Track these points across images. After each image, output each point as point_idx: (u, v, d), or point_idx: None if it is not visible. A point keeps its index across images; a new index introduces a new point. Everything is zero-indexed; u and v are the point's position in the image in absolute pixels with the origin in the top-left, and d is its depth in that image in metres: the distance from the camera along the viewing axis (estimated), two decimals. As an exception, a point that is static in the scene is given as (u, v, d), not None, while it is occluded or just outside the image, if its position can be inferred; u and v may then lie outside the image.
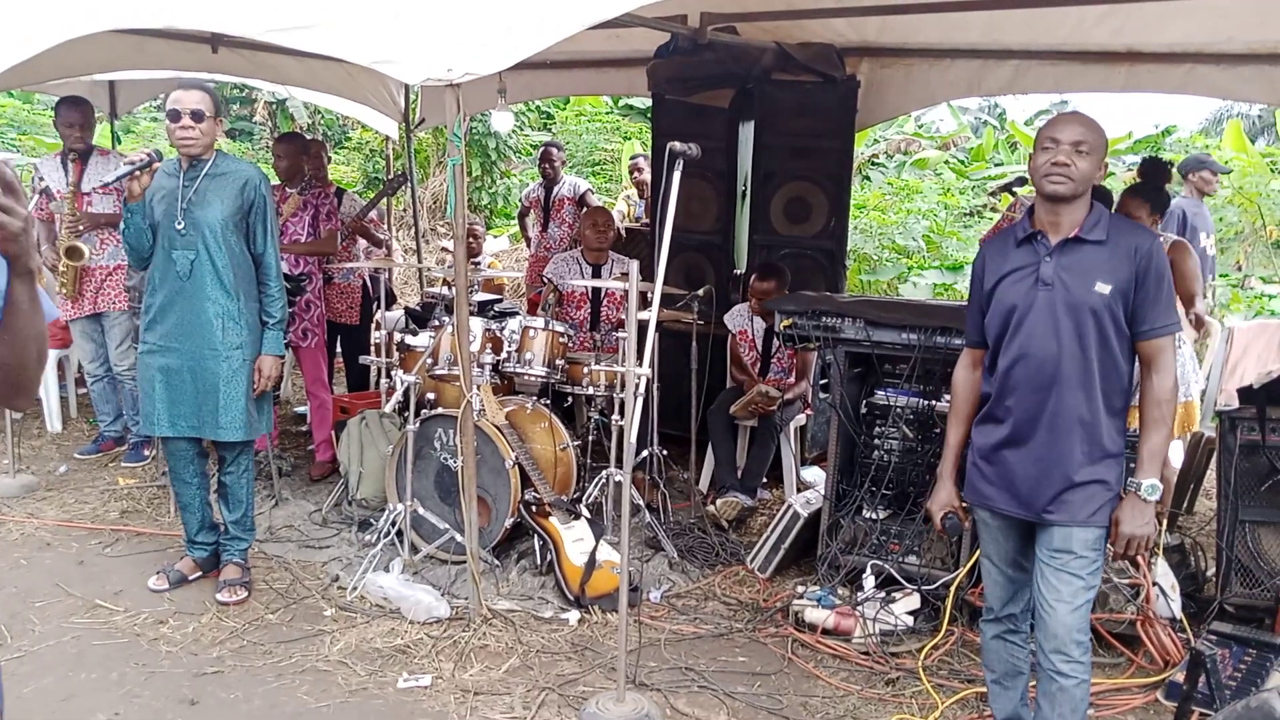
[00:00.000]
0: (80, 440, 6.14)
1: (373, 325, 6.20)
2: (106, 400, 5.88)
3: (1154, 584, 3.80)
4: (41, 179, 5.47)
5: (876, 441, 4.33)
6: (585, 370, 5.00)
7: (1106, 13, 5.04)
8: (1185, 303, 4.80)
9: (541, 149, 8.37)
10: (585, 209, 7.29)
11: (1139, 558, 3.74)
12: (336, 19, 3.54)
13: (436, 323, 5.01)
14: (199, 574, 4.24)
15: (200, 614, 3.95)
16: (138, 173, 3.74)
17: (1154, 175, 5.25)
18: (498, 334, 4.95)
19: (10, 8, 4.05)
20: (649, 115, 8.41)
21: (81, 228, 5.40)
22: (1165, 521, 4.08)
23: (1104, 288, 2.62)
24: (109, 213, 5.44)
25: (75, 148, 5.45)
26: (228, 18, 3.74)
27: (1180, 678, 3.44)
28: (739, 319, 5.69)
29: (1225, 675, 3.45)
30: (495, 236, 12.28)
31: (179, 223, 3.84)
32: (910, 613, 3.95)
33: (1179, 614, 3.85)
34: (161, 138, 14.74)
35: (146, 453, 5.69)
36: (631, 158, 10.35)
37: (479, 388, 4.45)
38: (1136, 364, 2.74)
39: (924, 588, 4.03)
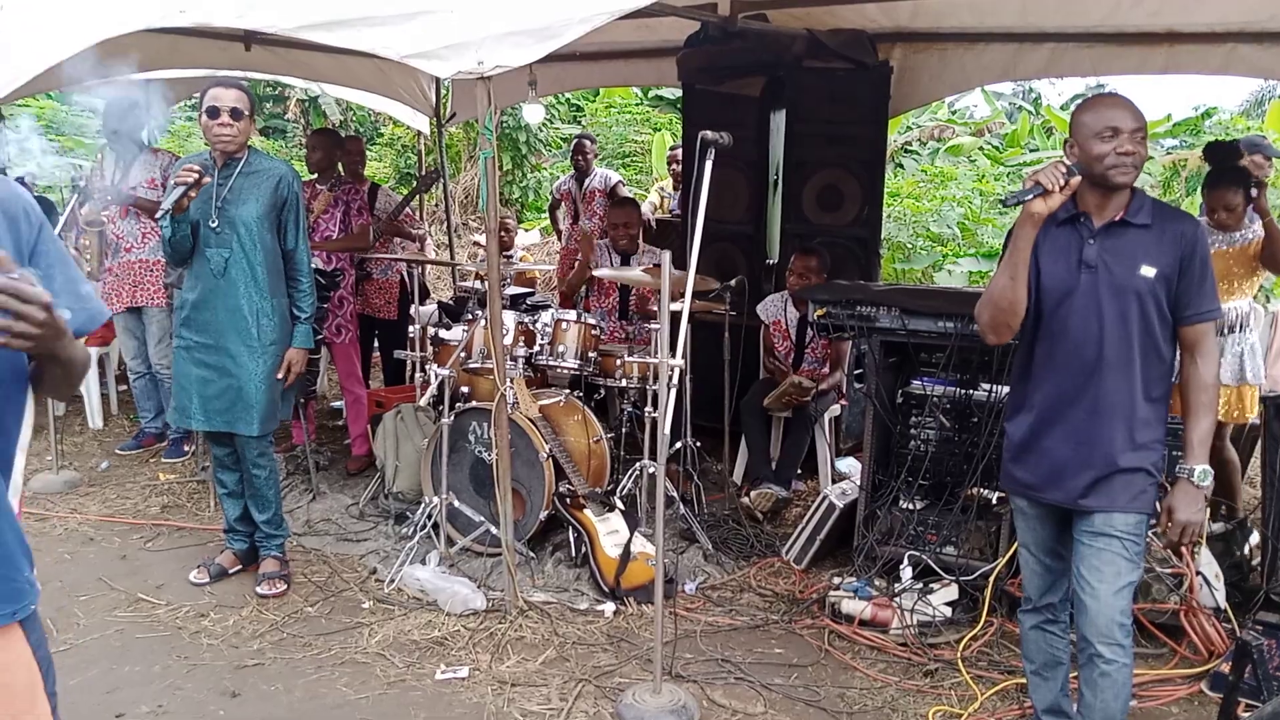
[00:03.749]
0: (121, 436, 6.23)
1: (409, 320, 6.23)
2: (148, 396, 5.96)
3: (1197, 573, 3.74)
4: (82, 178, 5.55)
5: (913, 431, 4.29)
6: (618, 362, 5.00)
7: (1143, -7, 4.96)
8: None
9: (575, 141, 8.38)
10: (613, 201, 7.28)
11: (1182, 547, 3.70)
12: (368, 14, 3.55)
13: (470, 316, 5.03)
14: (239, 567, 4.28)
15: (240, 607, 4.00)
16: (190, 192, 3.70)
17: (1223, 156, 4.97)
18: (530, 327, 4.96)
19: (46, 10, 4.10)
20: (679, 106, 8.40)
21: (109, 197, 5.46)
22: (1210, 510, 4.01)
23: (1149, 271, 2.58)
24: (147, 199, 5.48)
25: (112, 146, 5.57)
26: (262, 16, 3.76)
27: (1225, 668, 3.39)
28: (773, 309, 5.65)
29: (1272, 666, 3.38)
30: (527, 230, 12.30)
31: (213, 220, 3.88)
32: (948, 604, 3.92)
33: (1223, 604, 3.79)
34: (196, 137, 14.90)
35: (186, 448, 5.76)
36: (670, 148, 10.32)
37: (512, 381, 4.46)
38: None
39: (962, 578, 3.99)
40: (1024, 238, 2.58)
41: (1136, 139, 2.56)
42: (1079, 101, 2.86)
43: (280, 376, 4.01)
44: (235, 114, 3.81)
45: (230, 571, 4.27)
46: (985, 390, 4.11)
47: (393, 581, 4.19)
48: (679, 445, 4.98)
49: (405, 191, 6.88)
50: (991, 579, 3.85)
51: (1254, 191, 4.55)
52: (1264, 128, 11.41)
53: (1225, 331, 4.67)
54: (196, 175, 3.71)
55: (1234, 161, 4.81)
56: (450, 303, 7.41)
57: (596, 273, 5.62)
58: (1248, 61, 5.32)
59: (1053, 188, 2.49)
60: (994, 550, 4.04)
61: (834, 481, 5.15)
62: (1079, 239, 2.65)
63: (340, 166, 5.90)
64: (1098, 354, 2.62)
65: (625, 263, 5.76)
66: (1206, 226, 4.84)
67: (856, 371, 4.35)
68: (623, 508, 4.49)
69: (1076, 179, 2.52)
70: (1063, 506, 2.73)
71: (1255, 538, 4.12)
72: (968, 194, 11.21)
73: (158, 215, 3.80)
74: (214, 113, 3.82)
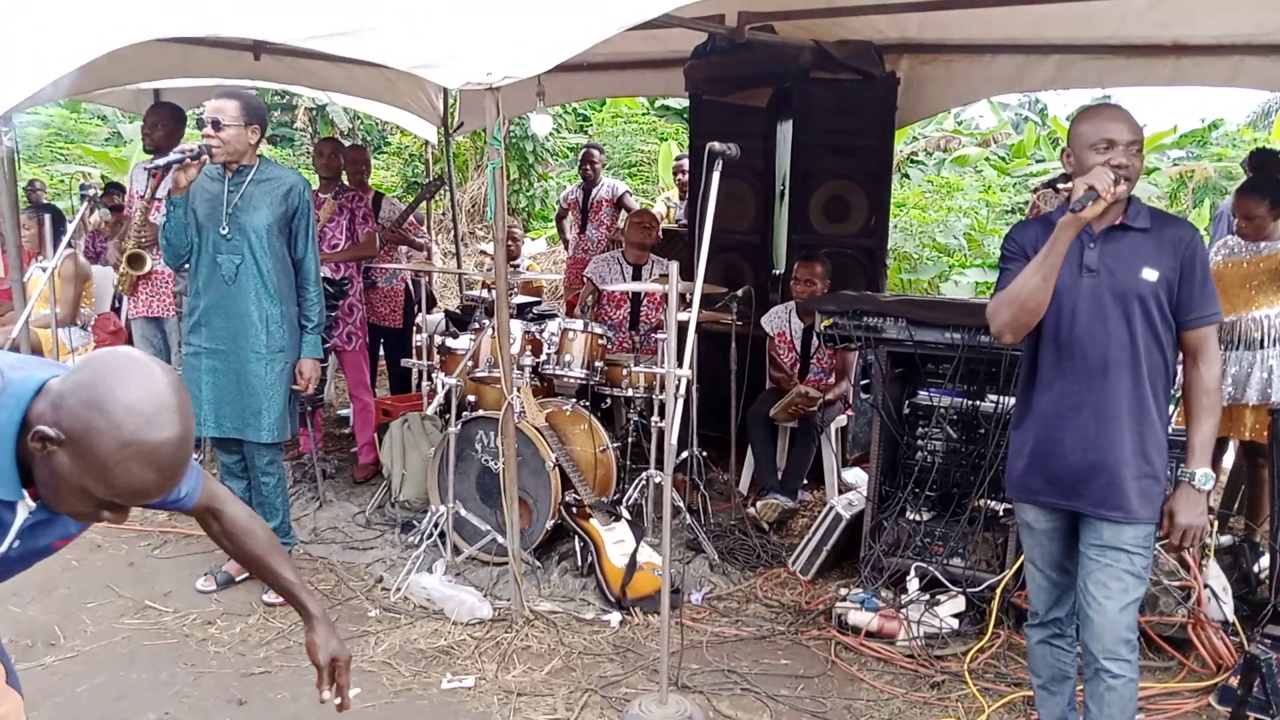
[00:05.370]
0: (129, 443, 6.23)
1: (414, 328, 6.25)
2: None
3: (1205, 586, 3.73)
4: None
5: (920, 442, 4.29)
6: (624, 372, 5.01)
7: (1151, 5, 4.95)
8: None
9: (583, 151, 8.42)
10: (630, 210, 7.35)
11: (1189, 557, 3.70)
12: (377, 25, 3.57)
13: (476, 325, 5.04)
14: (245, 575, 4.28)
15: (247, 615, 4.00)
16: (188, 160, 3.82)
17: (1269, 166, 4.76)
18: (537, 336, 4.97)
19: (57, 19, 4.13)
20: (686, 116, 8.41)
21: (144, 238, 5.48)
22: (1217, 522, 3.99)
23: (1151, 274, 2.59)
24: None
25: (148, 150, 5.52)
26: (270, 26, 3.78)
27: (1234, 682, 3.37)
28: (777, 321, 5.65)
29: (1281, 680, 3.37)
30: (533, 239, 12.33)
31: (224, 227, 3.92)
32: (955, 615, 3.90)
33: (1231, 616, 3.77)
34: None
35: (194, 455, 5.75)
36: (676, 158, 10.36)
37: (519, 390, 4.47)
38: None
39: (969, 590, 3.98)
40: (1064, 240, 2.54)
41: (1131, 152, 2.56)
42: (1078, 111, 2.85)
43: (296, 388, 4.03)
44: (214, 124, 3.87)
45: (237, 579, 4.27)
46: (992, 401, 4.11)
47: (399, 590, 4.19)
48: (685, 455, 4.98)
49: (410, 201, 6.90)
50: (999, 591, 3.84)
51: None
52: (1270, 139, 11.41)
53: (1246, 345, 4.59)
54: (195, 151, 3.81)
55: (1274, 173, 4.68)
56: (457, 311, 7.42)
57: (611, 286, 5.68)
58: (1255, 74, 5.32)
59: (1105, 192, 2.48)
60: (1001, 562, 4.03)
61: (840, 492, 5.15)
62: (1079, 244, 2.64)
63: (344, 175, 5.93)
64: (1102, 358, 2.62)
65: (636, 276, 5.79)
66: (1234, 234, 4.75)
67: (863, 382, 4.34)
68: (629, 517, 4.49)
69: (1123, 187, 2.52)
70: (1071, 511, 2.72)
71: (1265, 560, 4.08)
72: (974, 204, 11.23)
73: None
74: (200, 123, 3.93)
